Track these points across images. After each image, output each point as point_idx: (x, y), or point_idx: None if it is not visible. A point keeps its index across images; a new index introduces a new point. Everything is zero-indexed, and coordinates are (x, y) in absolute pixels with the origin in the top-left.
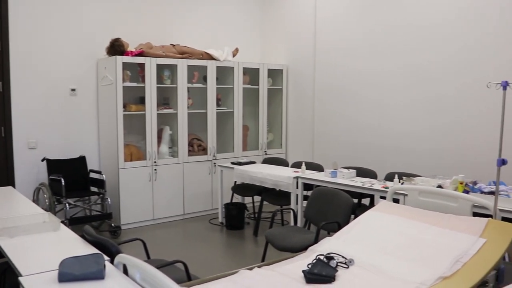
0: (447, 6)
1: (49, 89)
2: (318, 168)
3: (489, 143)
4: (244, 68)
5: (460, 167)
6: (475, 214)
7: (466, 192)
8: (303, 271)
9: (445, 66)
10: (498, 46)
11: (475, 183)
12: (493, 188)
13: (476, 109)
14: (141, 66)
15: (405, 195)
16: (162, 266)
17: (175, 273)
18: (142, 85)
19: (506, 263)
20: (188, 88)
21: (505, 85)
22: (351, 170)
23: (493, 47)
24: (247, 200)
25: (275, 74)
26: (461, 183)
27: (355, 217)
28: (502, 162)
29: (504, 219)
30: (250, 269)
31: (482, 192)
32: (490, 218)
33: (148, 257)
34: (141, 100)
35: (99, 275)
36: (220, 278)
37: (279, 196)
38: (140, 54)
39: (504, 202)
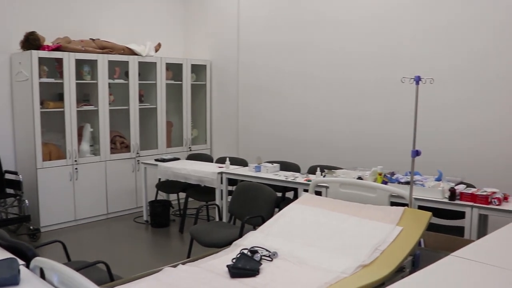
0: (369, 4)
1: None
2: (243, 163)
3: (405, 135)
4: (167, 64)
5: (380, 159)
6: (393, 204)
7: (385, 182)
8: (228, 266)
9: (364, 62)
10: (414, 43)
11: (392, 174)
12: (409, 178)
13: (392, 103)
14: (59, 61)
15: (327, 187)
16: (82, 267)
17: (97, 275)
18: (60, 81)
19: (422, 248)
20: (109, 84)
21: (417, 80)
22: (274, 165)
23: (409, 44)
24: (172, 197)
25: (198, 70)
26: (379, 174)
27: (279, 211)
28: (416, 153)
29: (420, 207)
30: (175, 266)
31: (399, 183)
32: (406, 207)
33: (69, 259)
34: (60, 97)
35: (13, 281)
36: (143, 277)
37: (204, 192)
38: (58, 48)
39: (420, 191)
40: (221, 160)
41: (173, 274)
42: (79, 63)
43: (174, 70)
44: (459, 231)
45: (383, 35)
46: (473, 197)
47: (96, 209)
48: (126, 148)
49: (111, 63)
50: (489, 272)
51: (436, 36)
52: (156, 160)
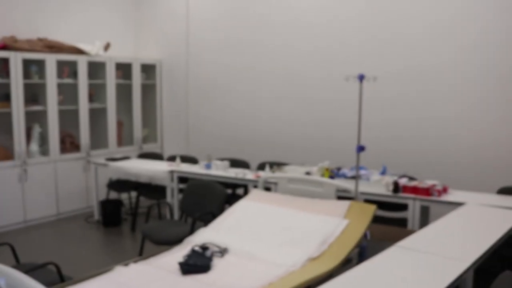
0: (317, 3)
1: None
2: (193, 161)
3: (352, 131)
4: (116, 63)
5: (327, 155)
6: (340, 198)
7: (332, 177)
8: (179, 263)
9: (312, 60)
10: (358, 42)
11: (339, 169)
12: (355, 173)
13: (339, 100)
14: (5, 60)
15: (275, 183)
16: (31, 270)
17: (46, 276)
18: (7, 81)
19: (368, 241)
20: (58, 83)
21: (361, 78)
22: (224, 162)
23: (354, 43)
24: (124, 196)
25: (148, 69)
26: (326, 169)
27: (230, 207)
28: (361, 148)
29: (366, 200)
30: (126, 265)
31: (345, 177)
32: (352, 201)
33: (18, 261)
34: (6, 97)
35: None
36: (94, 277)
37: (155, 191)
38: (3, 48)
39: (365, 185)
40: (172, 158)
41: (125, 273)
42: (27, 62)
43: (124, 69)
44: (403, 222)
45: (330, 33)
46: (415, 190)
47: (47, 210)
48: (76, 148)
49: (60, 63)
50: (430, 260)
51: (382, 33)
52: (107, 159)
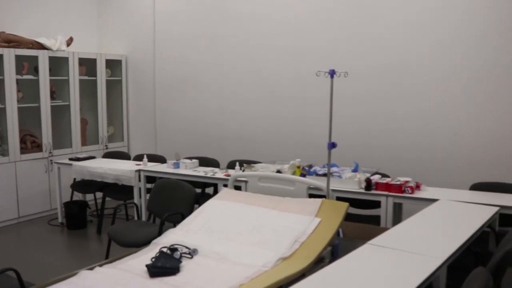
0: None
1: None
2: (161, 160)
3: (323, 128)
4: (80, 59)
5: (299, 152)
6: (312, 196)
7: (303, 175)
8: (147, 265)
9: (281, 56)
10: (329, 37)
11: (310, 166)
12: (327, 170)
13: (310, 97)
14: None
15: (246, 181)
16: None
17: (6, 283)
18: None
19: (341, 238)
20: (17, 80)
21: (332, 74)
22: (193, 160)
23: (325, 38)
24: (89, 197)
25: (113, 65)
26: (298, 167)
27: (199, 207)
28: (332, 145)
29: (338, 198)
30: (91, 269)
31: (317, 175)
32: (324, 199)
33: None
34: None
35: None
36: (57, 282)
37: (122, 191)
38: None
39: (337, 182)
40: (139, 158)
41: (90, 277)
42: None
43: (88, 65)
44: (376, 219)
45: (301, 28)
46: (387, 187)
47: (6, 213)
48: (38, 147)
49: (19, 58)
50: (403, 257)
51: (354, 29)
52: (71, 159)
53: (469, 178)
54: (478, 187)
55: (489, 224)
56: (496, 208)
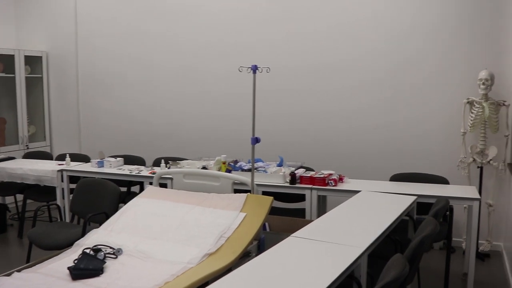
0: None
1: None
2: (85, 159)
3: (249, 124)
4: None
5: (226, 148)
6: (238, 191)
7: (229, 171)
8: (69, 268)
9: (205, 52)
10: (255, 35)
11: (236, 162)
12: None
13: (235, 93)
14: None
15: (171, 179)
16: None
17: None
18: None
19: (267, 232)
20: None
21: (254, 69)
22: (118, 159)
23: (250, 36)
24: (9, 199)
25: (33, 62)
26: (224, 163)
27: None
28: (256, 140)
29: (264, 193)
30: (8, 275)
31: (242, 170)
32: (248, 193)
33: None
34: None
35: None
36: None
37: (44, 192)
38: None
39: (262, 177)
40: (62, 157)
41: (7, 284)
42: None
43: (5, 62)
44: (302, 212)
45: (228, 27)
46: (312, 180)
47: None
48: None
49: None
50: (325, 248)
51: (276, 28)
52: None
53: (389, 169)
54: (397, 178)
55: (407, 213)
56: (414, 197)
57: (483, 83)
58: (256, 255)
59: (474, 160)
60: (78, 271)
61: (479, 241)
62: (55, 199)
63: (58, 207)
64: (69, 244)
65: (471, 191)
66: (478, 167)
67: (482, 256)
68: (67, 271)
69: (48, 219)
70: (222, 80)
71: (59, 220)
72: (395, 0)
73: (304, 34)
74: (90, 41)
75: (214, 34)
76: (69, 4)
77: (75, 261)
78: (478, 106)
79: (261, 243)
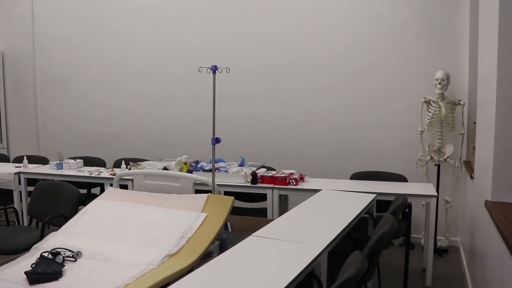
0: None
1: None
2: (44, 161)
3: (210, 124)
4: None
5: (187, 149)
6: (200, 191)
7: (190, 171)
8: (26, 272)
9: (166, 52)
10: (215, 36)
11: (197, 162)
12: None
13: (195, 94)
14: None
15: (132, 180)
16: None
17: None
18: None
19: (229, 232)
20: None
21: (214, 69)
22: (78, 160)
23: (211, 37)
24: None
25: None
26: (185, 163)
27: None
28: (216, 140)
29: (226, 193)
30: None
31: (204, 170)
32: (209, 194)
33: None
34: None
35: None
36: None
37: (1, 195)
38: None
39: (224, 177)
40: (19, 160)
41: None
42: None
43: None
44: (264, 212)
45: (187, 26)
46: (273, 179)
47: None
48: None
49: None
50: (285, 247)
51: (237, 28)
52: None
53: (350, 169)
54: (357, 176)
55: (367, 210)
56: (373, 195)
57: (439, 83)
58: (218, 255)
59: (431, 158)
60: (36, 275)
61: (437, 237)
62: (12, 202)
63: (16, 210)
64: (26, 248)
65: (428, 188)
66: (435, 164)
67: (440, 252)
68: (24, 276)
69: (5, 223)
70: (183, 80)
71: (16, 224)
72: (357, 5)
73: (265, 35)
74: (48, 41)
75: (175, 34)
76: (25, 4)
77: (33, 265)
78: (435, 105)
79: (223, 243)
